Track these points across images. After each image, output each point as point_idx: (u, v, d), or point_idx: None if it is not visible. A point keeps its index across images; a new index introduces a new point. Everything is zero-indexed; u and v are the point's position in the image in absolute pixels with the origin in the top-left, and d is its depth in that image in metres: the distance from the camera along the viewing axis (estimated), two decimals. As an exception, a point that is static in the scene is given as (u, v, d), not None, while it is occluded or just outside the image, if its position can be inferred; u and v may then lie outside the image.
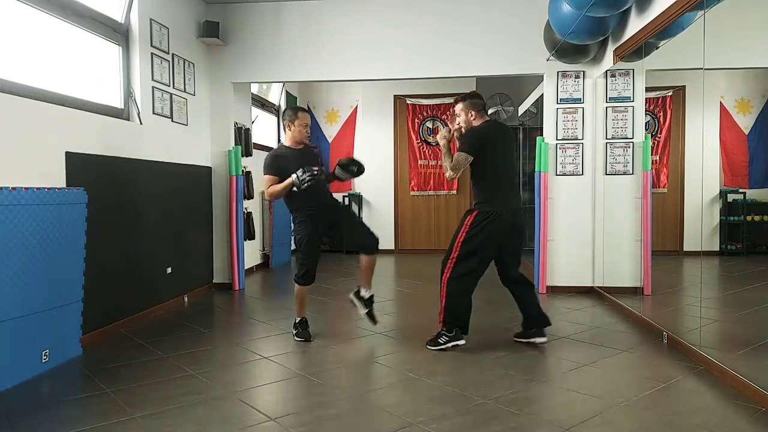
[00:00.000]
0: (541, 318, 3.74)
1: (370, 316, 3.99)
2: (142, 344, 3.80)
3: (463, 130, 3.70)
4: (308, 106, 9.06)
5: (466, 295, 3.62)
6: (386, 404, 2.77)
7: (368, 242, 3.89)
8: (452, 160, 3.57)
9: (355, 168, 3.90)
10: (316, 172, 3.66)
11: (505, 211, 3.59)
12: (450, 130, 3.74)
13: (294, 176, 3.65)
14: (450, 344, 3.59)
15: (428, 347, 3.62)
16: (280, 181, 3.76)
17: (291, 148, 3.91)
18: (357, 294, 4.01)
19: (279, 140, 8.31)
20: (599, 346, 3.68)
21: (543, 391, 2.95)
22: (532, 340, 3.72)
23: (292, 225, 3.99)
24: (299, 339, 3.88)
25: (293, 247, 8.66)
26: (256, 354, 3.63)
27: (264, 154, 7.16)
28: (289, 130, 3.90)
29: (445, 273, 3.59)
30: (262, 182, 3.88)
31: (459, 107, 3.70)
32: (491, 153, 3.60)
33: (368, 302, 3.99)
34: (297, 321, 3.96)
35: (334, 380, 3.20)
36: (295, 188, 3.68)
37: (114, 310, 4.11)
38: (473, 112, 3.65)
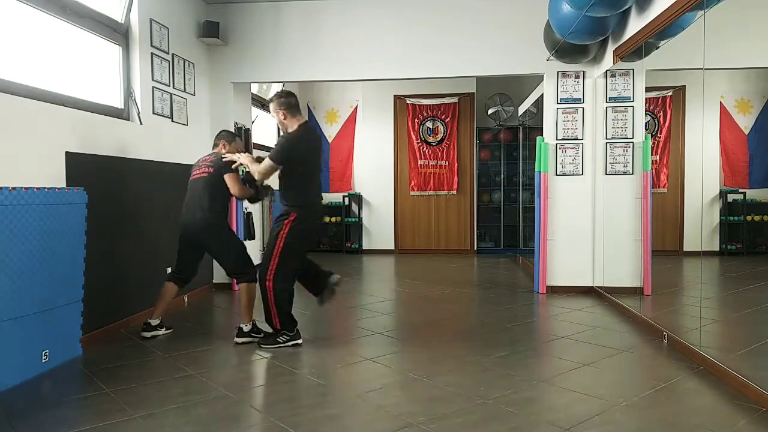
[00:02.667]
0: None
1: (168, 327, 4.08)
2: (142, 344, 3.80)
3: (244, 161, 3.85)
4: (308, 106, 9.07)
5: (290, 297, 3.71)
6: (386, 404, 2.77)
7: (190, 278, 4.17)
8: (259, 168, 3.70)
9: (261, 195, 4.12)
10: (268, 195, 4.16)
11: (317, 213, 3.85)
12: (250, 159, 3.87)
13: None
14: (290, 343, 3.69)
15: (263, 347, 3.68)
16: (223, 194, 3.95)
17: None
18: (149, 328, 3.97)
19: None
20: (599, 346, 3.68)
21: (543, 391, 2.95)
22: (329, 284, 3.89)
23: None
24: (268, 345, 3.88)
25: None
26: (256, 354, 3.63)
27: (264, 154, 7.18)
28: (224, 149, 4.10)
29: (268, 281, 3.63)
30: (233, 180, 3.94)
31: (271, 107, 3.78)
32: (303, 161, 3.69)
33: (160, 325, 4.03)
34: (252, 326, 3.87)
35: (334, 380, 3.20)
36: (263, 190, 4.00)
37: (114, 310, 4.11)
38: (282, 112, 3.72)
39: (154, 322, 3.99)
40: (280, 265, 3.62)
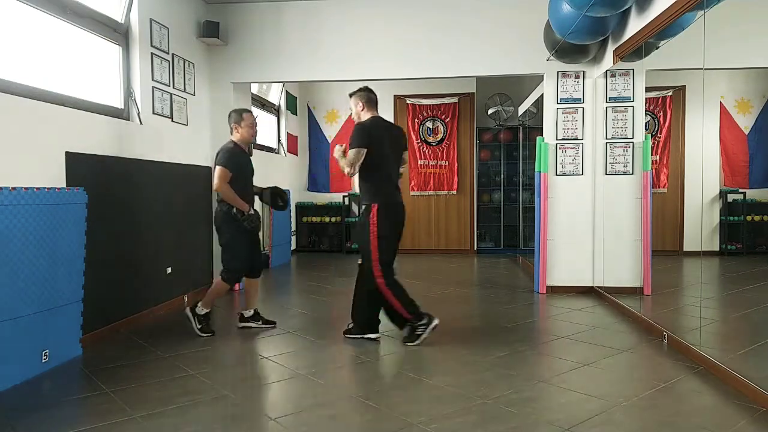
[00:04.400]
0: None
1: (267, 323, 4.22)
2: (142, 344, 3.81)
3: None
4: (308, 106, 9.08)
5: (402, 288, 3.75)
6: (386, 404, 2.77)
7: (259, 269, 4.26)
8: (345, 159, 3.71)
9: (279, 202, 4.29)
10: (254, 226, 4.01)
11: (397, 203, 3.88)
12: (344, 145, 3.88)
13: (252, 212, 3.99)
14: (431, 325, 3.69)
15: (409, 345, 3.68)
16: (234, 178, 3.94)
17: (242, 149, 4.10)
18: (243, 319, 4.19)
19: (279, 140, 8.31)
20: (599, 346, 3.68)
21: (543, 391, 2.95)
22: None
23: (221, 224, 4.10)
24: (205, 334, 3.98)
25: (293, 247, 8.69)
26: (256, 354, 3.63)
27: (264, 154, 7.14)
28: (237, 132, 4.08)
29: (377, 279, 3.69)
30: (216, 172, 3.96)
31: (351, 100, 3.90)
32: (377, 148, 3.74)
33: (256, 317, 4.22)
34: (205, 313, 4.03)
35: (334, 380, 3.20)
36: (237, 215, 3.93)
37: (114, 310, 4.11)
38: (361, 104, 3.84)
39: (247, 313, 4.19)
40: (381, 258, 3.68)
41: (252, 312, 4.22)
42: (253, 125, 4.10)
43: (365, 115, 3.84)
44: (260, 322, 4.21)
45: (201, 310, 4.00)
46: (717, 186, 6.20)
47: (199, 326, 3.99)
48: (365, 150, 3.68)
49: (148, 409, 2.69)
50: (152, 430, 2.49)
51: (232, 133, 4.11)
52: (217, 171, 3.89)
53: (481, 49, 5.49)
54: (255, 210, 4.05)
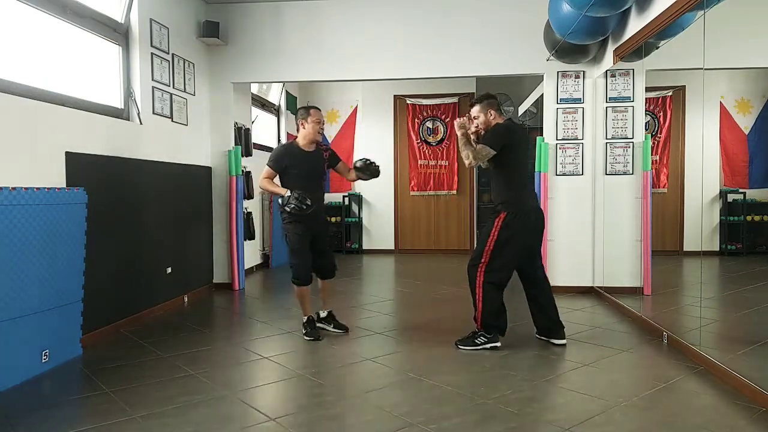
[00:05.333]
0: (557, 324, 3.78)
1: (339, 327, 4.09)
2: (142, 344, 3.81)
3: (481, 131, 3.68)
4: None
5: (500, 296, 3.62)
6: (386, 404, 2.77)
7: (330, 270, 4.11)
8: (473, 151, 3.53)
9: (367, 173, 4.03)
10: (305, 207, 3.67)
11: (531, 211, 3.62)
12: (468, 118, 3.69)
13: (287, 195, 3.71)
14: (488, 345, 3.61)
15: (461, 347, 3.63)
16: (281, 178, 3.89)
17: (302, 148, 3.94)
18: (318, 319, 4.10)
19: (279, 140, 8.31)
20: (599, 346, 3.68)
21: (543, 391, 2.95)
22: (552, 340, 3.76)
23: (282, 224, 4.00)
24: (308, 338, 3.89)
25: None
26: (256, 354, 3.63)
27: (264, 155, 7.16)
28: (303, 128, 3.93)
29: (479, 276, 3.59)
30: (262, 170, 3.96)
31: (476, 109, 3.68)
32: (516, 152, 3.60)
33: (329, 319, 4.11)
34: (304, 320, 3.98)
35: (334, 380, 3.20)
36: (279, 200, 3.77)
37: (114, 310, 4.11)
38: (492, 112, 3.65)
39: (322, 314, 4.12)
40: (492, 260, 3.55)
41: (326, 314, 4.12)
42: (318, 121, 3.93)
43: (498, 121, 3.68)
44: (332, 326, 4.09)
45: (303, 318, 3.97)
46: (717, 186, 6.20)
47: (303, 332, 3.95)
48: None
49: (148, 409, 2.69)
50: (152, 430, 2.49)
51: (298, 130, 3.99)
52: (264, 171, 3.89)
53: (481, 49, 5.48)
54: (295, 191, 3.71)
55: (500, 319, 3.63)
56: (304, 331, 3.94)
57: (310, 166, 3.93)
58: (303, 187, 3.77)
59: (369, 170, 4.03)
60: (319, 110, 4.01)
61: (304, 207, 3.67)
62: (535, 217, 3.66)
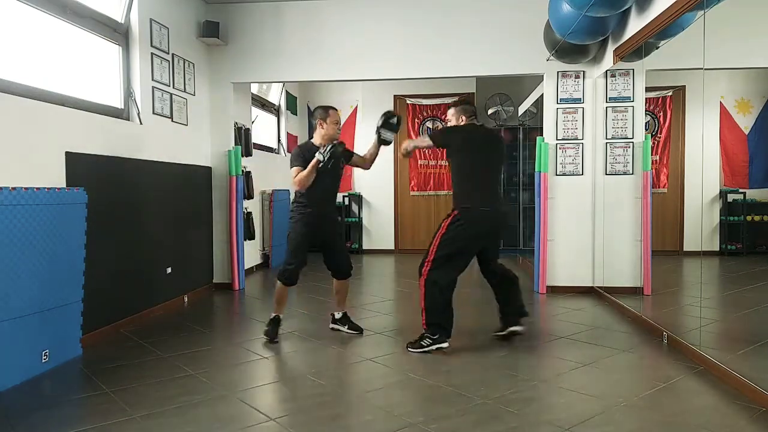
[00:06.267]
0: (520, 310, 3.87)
1: (353, 328, 4.07)
2: (142, 344, 3.81)
3: None
4: (308, 106, 9.07)
5: (444, 296, 3.58)
6: (386, 404, 2.77)
7: (345, 270, 4.06)
8: (420, 139, 3.70)
9: (394, 121, 3.95)
10: (330, 152, 3.68)
11: (484, 213, 3.63)
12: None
13: (318, 154, 3.70)
14: (434, 347, 3.57)
15: (410, 350, 3.61)
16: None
17: (316, 146, 3.88)
18: (333, 320, 4.12)
19: (278, 140, 8.31)
20: (599, 346, 3.68)
21: (543, 391, 2.95)
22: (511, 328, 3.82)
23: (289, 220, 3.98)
24: (267, 337, 3.86)
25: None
26: (256, 354, 3.63)
27: (264, 155, 7.16)
28: (321, 128, 3.90)
29: (423, 275, 3.59)
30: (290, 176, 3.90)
31: (450, 112, 3.81)
32: (468, 154, 3.66)
33: (344, 320, 4.11)
34: (272, 317, 3.93)
35: (334, 380, 3.20)
36: (321, 164, 3.70)
37: (114, 310, 4.11)
38: (464, 118, 3.75)
39: (337, 315, 4.13)
40: (437, 259, 3.54)
41: (341, 314, 4.11)
42: (337, 122, 3.92)
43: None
44: (347, 327, 4.08)
45: (272, 315, 3.93)
46: (717, 186, 6.20)
47: (266, 328, 3.91)
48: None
49: (148, 409, 2.69)
50: (152, 430, 2.49)
51: (315, 130, 3.96)
52: (292, 171, 3.83)
53: (481, 49, 5.48)
54: (327, 147, 3.73)
55: (444, 319, 3.58)
56: (266, 328, 3.90)
57: (332, 165, 3.85)
58: (326, 186, 3.85)
59: (389, 125, 3.92)
60: (337, 110, 4.02)
61: (335, 152, 3.72)
62: (488, 220, 3.65)
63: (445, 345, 3.57)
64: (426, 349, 3.55)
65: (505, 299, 3.87)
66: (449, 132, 3.80)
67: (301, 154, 3.84)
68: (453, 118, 3.78)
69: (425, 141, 3.92)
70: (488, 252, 3.82)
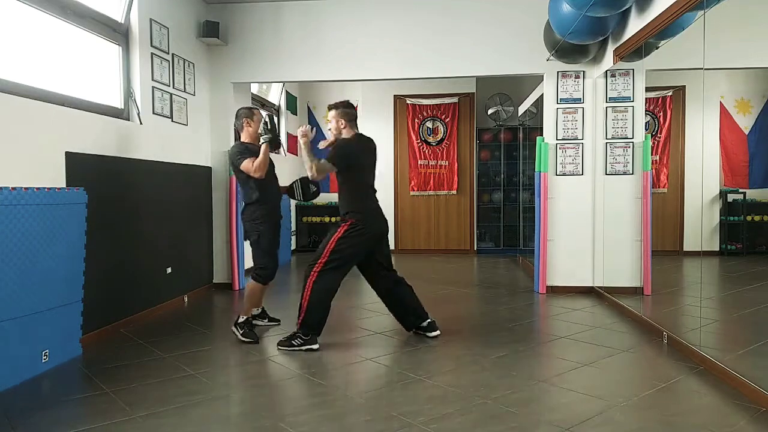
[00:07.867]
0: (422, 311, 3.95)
1: (272, 320, 4.31)
2: (142, 344, 3.81)
3: (333, 137, 3.92)
4: (308, 106, 9.07)
5: (327, 301, 3.67)
6: (386, 404, 2.77)
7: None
8: (317, 164, 3.62)
9: (268, 127, 3.93)
10: (267, 133, 3.85)
11: (376, 219, 3.79)
12: (313, 129, 3.88)
13: (262, 138, 3.84)
14: (304, 347, 3.62)
15: (280, 348, 3.65)
16: (244, 180, 3.97)
17: (253, 144, 4.02)
18: (254, 317, 4.17)
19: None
20: (599, 346, 3.68)
21: (543, 391, 2.95)
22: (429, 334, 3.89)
23: (247, 223, 4.05)
24: (246, 340, 3.83)
25: (293, 246, 8.69)
26: (256, 354, 3.63)
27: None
28: (249, 127, 4.04)
29: (311, 277, 3.63)
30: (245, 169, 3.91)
31: (331, 114, 3.85)
32: (360, 166, 3.75)
33: (262, 314, 4.32)
34: (242, 320, 3.92)
35: (334, 380, 3.20)
36: (268, 142, 3.84)
37: (114, 310, 4.11)
38: (343, 122, 3.80)
39: (255, 311, 4.21)
40: (328, 263, 3.61)
41: (260, 310, 4.29)
42: (260, 120, 4.04)
43: (348, 134, 3.83)
44: (266, 320, 4.30)
45: (241, 318, 3.94)
46: (717, 186, 6.20)
47: (240, 332, 3.90)
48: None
49: (148, 409, 2.69)
50: (152, 430, 2.49)
51: (242, 130, 4.07)
52: (244, 165, 3.84)
53: (481, 49, 5.48)
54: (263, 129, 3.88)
55: (319, 322, 3.66)
56: (240, 332, 3.87)
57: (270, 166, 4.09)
58: (273, 186, 4.10)
59: (265, 131, 3.92)
60: (259, 109, 4.16)
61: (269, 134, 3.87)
62: (382, 220, 3.84)
63: (315, 346, 3.63)
64: (296, 348, 3.62)
65: (402, 305, 3.97)
66: (348, 155, 3.73)
67: (245, 149, 3.94)
68: (334, 120, 3.82)
69: (326, 166, 3.66)
70: (379, 254, 3.90)
